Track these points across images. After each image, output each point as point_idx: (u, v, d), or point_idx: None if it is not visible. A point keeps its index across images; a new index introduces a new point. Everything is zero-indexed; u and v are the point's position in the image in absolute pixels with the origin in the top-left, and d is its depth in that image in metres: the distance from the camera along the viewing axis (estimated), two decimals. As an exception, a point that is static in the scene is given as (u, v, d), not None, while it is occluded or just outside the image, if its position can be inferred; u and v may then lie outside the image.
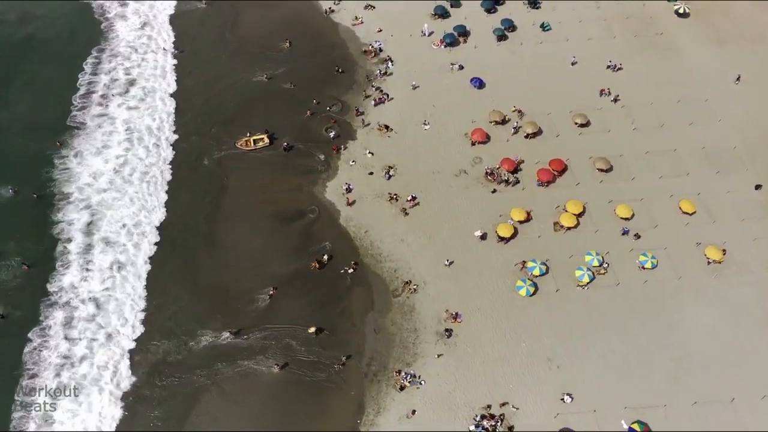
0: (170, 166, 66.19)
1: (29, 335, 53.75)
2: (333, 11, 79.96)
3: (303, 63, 74.63)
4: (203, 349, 53.26)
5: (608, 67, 72.87)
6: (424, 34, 77.08)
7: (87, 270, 58.15)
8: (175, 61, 76.37)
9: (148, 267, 58.57)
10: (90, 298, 56.40)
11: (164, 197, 63.70)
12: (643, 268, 57.07)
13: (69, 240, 59.99)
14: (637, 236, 59.37)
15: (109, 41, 78.08)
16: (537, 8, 79.69)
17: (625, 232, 59.80)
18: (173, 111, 71.21)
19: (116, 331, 54.47)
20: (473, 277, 57.14)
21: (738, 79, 72.41)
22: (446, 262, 57.83)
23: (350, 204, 62.05)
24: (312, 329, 53.53)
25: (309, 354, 52.72)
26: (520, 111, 67.74)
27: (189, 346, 53.40)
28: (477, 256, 58.40)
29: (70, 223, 61.19)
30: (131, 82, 73.81)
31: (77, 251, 59.30)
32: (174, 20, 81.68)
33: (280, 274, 57.79)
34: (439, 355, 52.11)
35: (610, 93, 69.28)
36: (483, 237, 59.78)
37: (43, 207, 62.24)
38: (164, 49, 77.35)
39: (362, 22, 78.61)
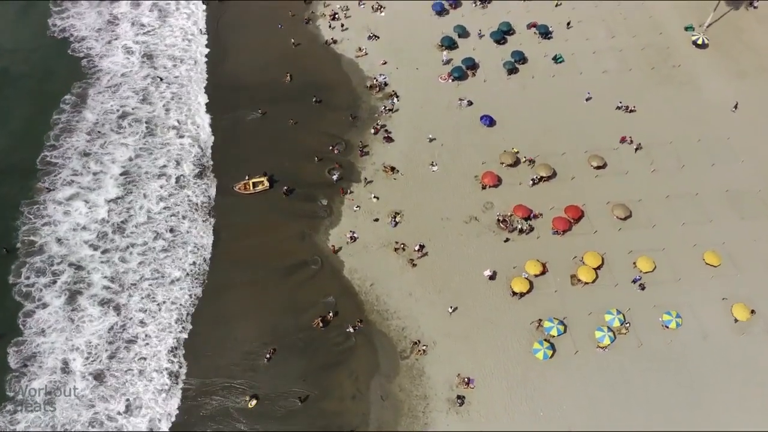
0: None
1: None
2: (335, 42, 76.42)
3: (304, 98, 71.07)
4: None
5: (618, 108, 69.11)
6: (444, 62, 73.72)
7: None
8: (174, 90, 73.01)
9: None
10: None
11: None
12: (667, 327, 53.62)
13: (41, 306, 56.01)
14: (642, 287, 56.10)
15: (91, 77, 73.85)
16: (549, 39, 76.17)
17: (636, 281, 56.51)
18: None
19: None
20: (486, 336, 53.71)
21: (735, 106, 69.13)
22: (450, 309, 54.78)
23: (336, 252, 58.82)
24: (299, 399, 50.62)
25: (312, 425, 49.33)
26: (532, 160, 64.06)
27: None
28: (490, 312, 55.00)
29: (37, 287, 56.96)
30: (122, 116, 70.19)
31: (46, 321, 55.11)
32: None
33: (280, 332, 54.44)
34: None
35: (632, 141, 65.49)
36: (492, 277, 56.71)
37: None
38: (160, 78, 73.82)
39: (366, 54, 75.09)
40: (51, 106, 70.19)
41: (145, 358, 53.22)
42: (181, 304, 56.50)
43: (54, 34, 77.62)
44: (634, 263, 57.25)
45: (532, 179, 62.47)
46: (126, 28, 78.90)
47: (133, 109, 70.96)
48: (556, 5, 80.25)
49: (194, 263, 59.01)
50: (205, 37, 78.43)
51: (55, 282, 57.36)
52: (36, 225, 60.88)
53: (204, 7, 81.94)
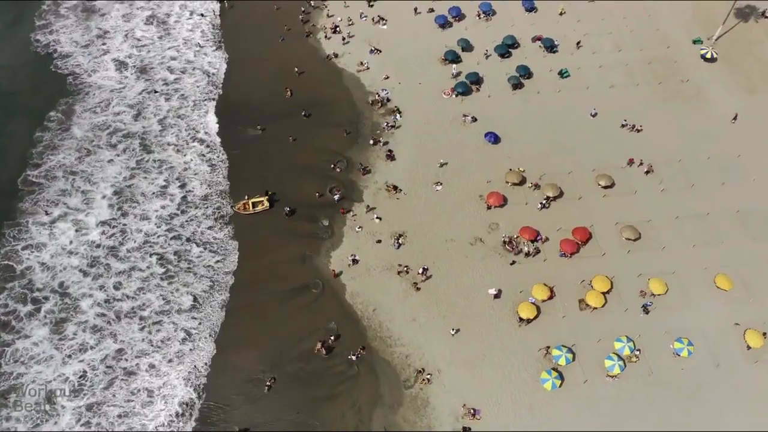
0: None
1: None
2: (336, 56, 74.90)
3: (307, 115, 69.62)
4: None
5: (623, 126, 67.43)
6: (454, 75, 72.29)
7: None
8: (168, 106, 71.31)
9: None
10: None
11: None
12: (678, 355, 52.09)
13: None
14: (646, 311, 54.59)
15: (79, 92, 71.83)
16: (554, 52, 74.68)
17: (646, 306, 55.01)
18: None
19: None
20: (493, 364, 52.14)
21: (735, 118, 67.70)
22: (452, 331, 53.37)
23: (337, 275, 57.22)
24: None
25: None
26: (537, 185, 62.39)
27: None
28: (497, 338, 53.40)
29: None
30: (113, 132, 68.36)
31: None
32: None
33: (280, 359, 52.88)
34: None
35: (642, 163, 63.87)
36: (497, 295, 55.43)
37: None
38: (155, 91, 72.24)
39: (368, 68, 73.59)
40: (35, 123, 68.23)
41: (140, 391, 51.39)
42: (183, 328, 54.81)
43: (38, 50, 75.73)
44: (643, 291, 55.69)
45: (541, 203, 60.86)
46: (118, 41, 77.13)
47: (125, 124, 69.02)
48: (560, 13, 78.86)
49: (195, 287, 57.27)
50: (203, 50, 76.71)
51: (39, 310, 55.09)
52: (16, 248, 58.55)
53: (202, 19, 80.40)
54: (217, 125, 69.46)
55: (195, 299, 56.34)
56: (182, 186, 64.13)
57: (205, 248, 59.58)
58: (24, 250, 58.73)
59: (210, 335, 54.46)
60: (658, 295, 55.24)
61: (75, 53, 75.56)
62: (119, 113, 70.14)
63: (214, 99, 72.18)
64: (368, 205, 61.29)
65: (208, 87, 73.25)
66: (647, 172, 62.99)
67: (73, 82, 72.62)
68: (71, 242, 59.62)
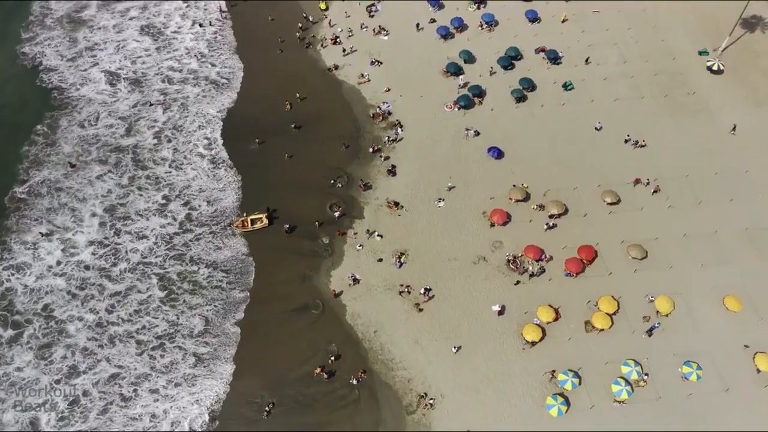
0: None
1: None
2: (336, 68, 73.59)
3: (304, 127, 68.28)
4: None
5: (627, 141, 66.09)
6: (461, 86, 71.04)
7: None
8: (165, 118, 70.01)
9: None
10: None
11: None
12: (687, 379, 50.87)
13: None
14: (650, 333, 53.42)
15: (67, 106, 70.03)
16: (558, 64, 73.39)
17: (654, 328, 53.88)
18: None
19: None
20: (497, 388, 50.94)
21: (734, 129, 66.64)
22: (454, 349, 52.34)
23: (337, 295, 56.01)
24: None
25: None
26: (542, 206, 61.01)
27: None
28: (501, 362, 52.23)
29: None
30: (103, 146, 66.71)
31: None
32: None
33: (279, 383, 51.68)
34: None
35: (649, 182, 62.58)
36: (501, 312, 54.40)
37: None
38: (150, 103, 70.80)
39: (369, 80, 72.27)
40: (22, 137, 66.52)
41: (141, 416, 50.16)
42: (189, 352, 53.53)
43: (24, 63, 74.03)
44: (647, 316, 54.42)
45: (547, 224, 59.57)
46: (109, 53, 75.28)
47: (117, 138, 67.32)
48: (563, 20, 77.66)
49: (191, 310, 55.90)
50: (202, 61, 75.33)
51: (21, 335, 53.52)
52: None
53: (201, 30, 78.96)
54: (222, 138, 68.00)
55: (205, 322, 54.91)
56: (185, 203, 62.56)
57: (209, 268, 58.13)
58: (5, 271, 57.14)
59: (220, 359, 53.18)
60: (665, 315, 54.05)
61: (62, 66, 73.68)
62: (110, 126, 68.47)
63: (218, 113, 70.47)
64: (368, 229, 59.73)
65: (210, 99, 71.62)
66: (654, 192, 61.62)
67: (59, 96, 70.78)
68: (58, 263, 57.80)
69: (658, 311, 54.49)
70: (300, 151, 66.22)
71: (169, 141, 67.73)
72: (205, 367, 52.63)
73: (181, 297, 56.32)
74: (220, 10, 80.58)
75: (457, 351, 52.51)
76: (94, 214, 61.35)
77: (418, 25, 76.48)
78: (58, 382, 51.38)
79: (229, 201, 62.90)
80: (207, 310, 55.50)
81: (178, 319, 55.02)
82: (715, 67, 71.83)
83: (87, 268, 57.90)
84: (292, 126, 67.68)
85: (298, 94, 69.37)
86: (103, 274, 57.64)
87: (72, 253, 58.72)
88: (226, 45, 77.43)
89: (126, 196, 62.96)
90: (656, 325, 54.06)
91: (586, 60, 72.59)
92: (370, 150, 65.87)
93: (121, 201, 62.62)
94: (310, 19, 77.60)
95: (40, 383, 51.16)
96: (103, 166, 65.14)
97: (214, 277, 57.54)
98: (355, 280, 56.91)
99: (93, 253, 58.64)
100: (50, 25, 77.89)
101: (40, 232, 59.48)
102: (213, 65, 75.06)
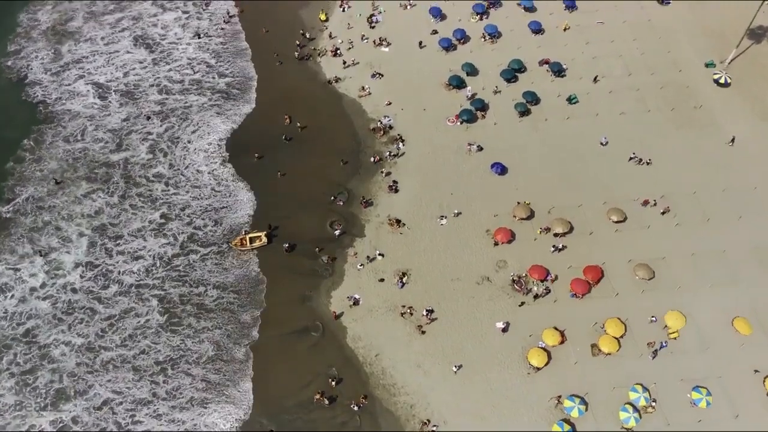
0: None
1: None
2: (337, 80, 72.33)
3: (304, 141, 67.02)
4: None
5: (632, 158, 64.68)
6: (469, 97, 69.80)
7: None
8: (162, 130, 68.63)
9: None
10: None
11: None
12: (696, 405, 49.58)
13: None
14: (655, 354, 52.21)
15: (55, 119, 68.50)
16: (562, 77, 72.13)
17: (663, 347, 52.72)
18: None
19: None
20: (502, 414, 49.66)
21: (732, 141, 65.50)
22: (454, 368, 51.26)
23: (337, 317, 54.80)
24: None
25: None
26: (547, 228, 59.64)
27: None
28: (506, 387, 50.95)
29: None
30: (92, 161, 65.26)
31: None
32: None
33: (279, 409, 50.42)
34: None
35: (656, 203, 61.29)
36: (505, 329, 53.38)
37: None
38: (147, 117, 69.44)
39: (369, 93, 71.03)
40: (8, 153, 64.92)
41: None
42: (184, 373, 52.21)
43: (10, 77, 72.53)
44: (652, 342, 52.99)
45: (554, 245, 58.25)
46: (97, 65, 73.71)
47: (106, 154, 65.75)
48: (565, 29, 76.48)
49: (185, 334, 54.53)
50: (198, 75, 73.93)
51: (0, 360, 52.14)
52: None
53: (205, 40, 77.50)
54: (227, 153, 66.56)
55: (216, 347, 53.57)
56: (186, 222, 61.04)
57: (216, 289, 56.84)
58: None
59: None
60: (675, 332, 52.80)
61: (48, 79, 72.14)
62: (99, 140, 66.85)
63: (223, 126, 68.95)
64: (368, 256, 58.25)
65: (215, 111, 70.07)
66: (663, 213, 60.31)
67: (44, 111, 69.28)
68: (42, 285, 56.01)
69: (666, 326, 53.32)
70: (299, 166, 65.03)
71: (165, 155, 66.15)
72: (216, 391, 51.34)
73: (185, 320, 54.83)
74: (224, 21, 79.10)
75: (457, 370, 51.41)
76: (81, 234, 59.46)
77: (420, 43, 74.78)
78: (44, 408, 49.97)
79: (231, 219, 61.45)
80: (217, 334, 54.03)
81: (183, 343, 53.53)
82: (722, 80, 70.55)
83: (75, 290, 56.11)
84: (284, 138, 66.25)
85: (298, 124, 67.43)
86: (92, 296, 55.93)
87: (58, 275, 56.89)
88: (229, 54, 75.97)
89: (118, 215, 61.23)
90: (664, 344, 52.87)
91: (595, 78, 70.95)
92: (372, 160, 64.73)
93: (111, 221, 60.78)
94: (307, 35, 75.77)
95: (24, 408, 49.78)
96: (91, 183, 63.39)
97: (223, 299, 56.14)
98: (356, 302, 55.66)
99: (81, 275, 56.76)
100: (36, 38, 76.33)
101: (39, 251, 57.95)
102: (218, 75, 73.43)
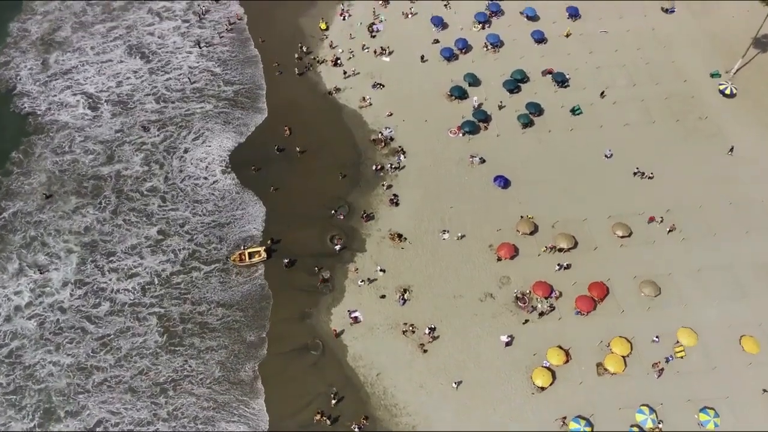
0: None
1: None
2: (338, 90, 71.31)
3: (303, 153, 66.00)
4: None
5: (635, 173, 63.59)
6: (475, 107, 68.75)
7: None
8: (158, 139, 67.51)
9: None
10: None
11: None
12: (704, 427, 48.60)
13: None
14: (660, 372, 51.34)
15: (44, 131, 67.16)
16: (565, 87, 71.16)
17: (669, 360, 51.94)
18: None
19: None
20: (506, 437, 48.77)
21: (731, 150, 64.71)
22: (454, 384, 50.41)
23: (338, 335, 53.77)
24: None
25: None
26: (553, 247, 58.53)
27: None
28: (510, 408, 49.86)
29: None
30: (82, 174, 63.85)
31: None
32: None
33: (278, 430, 49.38)
34: None
35: (663, 220, 60.23)
36: (509, 343, 52.61)
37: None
38: (143, 128, 68.32)
39: (370, 104, 70.02)
40: None
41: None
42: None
43: None
44: (657, 363, 51.94)
45: (559, 264, 57.24)
46: (89, 75, 72.31)
47: (96, 167, 64.31)
48: (566, 35, 75.54)
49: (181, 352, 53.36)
50: (194, 85, 72.74)
51: None
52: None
53: (206, 50, 76.34)
54: (230, 166, 65.45)
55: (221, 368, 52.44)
56: (186, 238, 59.81)
57: (220, 307, 55.72)
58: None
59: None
60: (679, 353, 51.87)
61: (38, 90, 70.69)
62: (90, 152, 65.45)
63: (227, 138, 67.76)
64: (369, 278, 56.95)
65: (216, 122, 68.91)
66: (670, 231, 59.25)
67: (34, 122, 67.86)
68: (29, 304, 54.45)
69: (678, 341, 52.51)
70: (298, 179, 64.01)
71: (162, 167, 64.72)
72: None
73: (187, 340, 53.65)
74: (226, 29, 78.17)
75: (457, 386, 50.57)
76: (70, 251, 58.03)
77: (422, 57, 73.42)
78: (31, 429, 48.80)
79: (236, 234, 60.34)
80: (222, 354, 52.99)
81: (186, 363, 52.42)
82: (727, 91, 69.56)
83: (63, 310, 54.65)
84: (275, 148, 65.45)
85: (298, 149, 65.74)
86: (82, 315, 54.49)
87: (45, 293, 55.42)
88: (233, 62, 74.87)
89: (110, 232, 59.73)
90: (670, 357, 51.97)
91: (602, 93, 69.74)
92: (373, 168, 63.93)
93: (103, 237, 59.24)
94: (305, 50, 74.38)
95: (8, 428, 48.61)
96: (81, 197, 62.03)
97: (228, 317, 55.08)
98: (357, 319, 54.67)
99: (71, 294, 55.35)
100: (26, 48, 74.83)
101: (39, 270, 56.77)
102: (224, 83, 72.29)
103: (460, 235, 59.18)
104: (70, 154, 65.45)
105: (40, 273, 56.56)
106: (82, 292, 55.79)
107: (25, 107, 69.33)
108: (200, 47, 75.72)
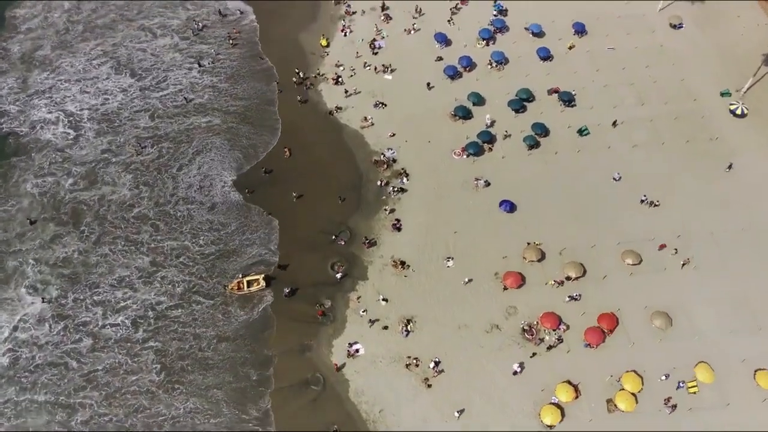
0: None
1: None
2: (339, 109, 69.52)
3: (304, 175, 64.26)
4: None
5: (642, 201, 61.77)
6: (488, 125, 67.25)
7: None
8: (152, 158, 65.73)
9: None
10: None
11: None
12: (720, 469, 47.06)
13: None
14: (673, 408, 49.69)
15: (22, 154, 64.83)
16: (572, 107, 69.37)
17: (680, 387, 50.52)
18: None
19: None
20: (513, 477, 47.07)
21: (729, 167, 63.20)
22: (456, 414, 49.10)
23: (339, 369, 52.13)
24: None
25: None
26: (562, 282, 56.66)
27: None
28: (516, 446, 48.34)
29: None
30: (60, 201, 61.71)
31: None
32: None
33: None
34: None
35: (677, 252, 58.33)
36: (517, 372, 51.35)
37: None
38: (142, 145, 66.46)
39: (372, 124, 68.22)
40: None
41: None
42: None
43: None
44: (668, 398, 50.37)
45: (570, 296, 55.54)
46: (73, 93, 69.98)
47: (78, 190, 62.23)
48: (570, 47, 73.84)
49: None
50: (192, 102, 70.84)
51: None
52: None
53: (207, 65, 74.46)
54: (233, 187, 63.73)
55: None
56: (176, 266, 58.03)
57: (213, 341, 53.99)
58: None
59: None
60: (692, 389, 50.24)
61: (16, 109, 68.41)
62: (71, 175, 63.34)
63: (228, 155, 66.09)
64: (371, 319, 54.80)
65: (216, 141, 67.23)
66: (684, 265, 57.41)
67: (13, 143, 65.58)
68: (3, 340, 52.42)
69: (695, 378, 50.99)
70: (297, 202, 62.24)
71: (153, 189, 62.74)
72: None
73: (186, 377, 51.88)
74: (229, 40, 76.50)
75: (459, 415, 49.13)
76: (46, 283, 55.85)
77: (428, 84, 71.16)
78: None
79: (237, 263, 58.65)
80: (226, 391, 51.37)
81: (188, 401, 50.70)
82: (738, 111, 67.77)
83: (40, 346, 52.63)
84: (263, 171, 63.97)
85: (294, 193, 62.60)
86: (63, 352, 52.54)
87: (20, 329, 53.37)
88: (219, 84, 72.95)
89: (96, 265, 57.62)
90: (681, 384, 50.46)
91: (614, 123, 67.61)
92: (378, 184, 62.49)
93: (90, 270, 57.08)
94: (301, 75, 71.90)
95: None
96: (63, 225, 59.85)
97: (229, 351, 53.52)
98: (358, 351, 52.93)
99: (50, 329, 53.43)
100: (6, 68, 72.16)
101: (43, 298, 55.01)
102: (231, 99, 70.77)
103: (467, 279, 56.93)
104: (53, 176, 63.20)
105: (43, 301, 54.92)
106: (59, 328, 53.71)
107: (3, 128, 67.07)
108: (201, 65, 73.70)
